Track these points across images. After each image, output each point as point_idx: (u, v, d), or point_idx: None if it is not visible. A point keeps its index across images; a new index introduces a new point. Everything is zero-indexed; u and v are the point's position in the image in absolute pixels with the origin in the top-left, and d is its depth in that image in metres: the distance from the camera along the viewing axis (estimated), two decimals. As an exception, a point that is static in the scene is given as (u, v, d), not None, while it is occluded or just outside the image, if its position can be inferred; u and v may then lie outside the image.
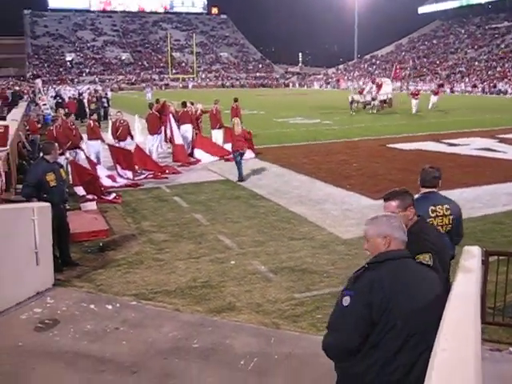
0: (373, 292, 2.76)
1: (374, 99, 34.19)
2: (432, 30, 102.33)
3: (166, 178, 14.47)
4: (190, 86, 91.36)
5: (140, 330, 5.99)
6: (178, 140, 16.83)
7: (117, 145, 15.53)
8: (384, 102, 34.54)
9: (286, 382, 4.94)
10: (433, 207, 4.65)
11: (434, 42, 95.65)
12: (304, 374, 5.03)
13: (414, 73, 77.21)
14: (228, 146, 16.35)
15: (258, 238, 9.06)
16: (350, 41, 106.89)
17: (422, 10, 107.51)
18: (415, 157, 16.43)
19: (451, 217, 4.71)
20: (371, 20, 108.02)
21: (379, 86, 34.92)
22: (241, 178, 13.82)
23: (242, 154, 14.00)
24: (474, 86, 67.68)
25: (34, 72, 79.32)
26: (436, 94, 36.28)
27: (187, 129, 17.45)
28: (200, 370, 5.16)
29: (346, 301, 2.82)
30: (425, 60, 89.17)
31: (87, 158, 13.45)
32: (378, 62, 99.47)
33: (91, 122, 15.30)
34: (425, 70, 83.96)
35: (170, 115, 17.08)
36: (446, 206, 4.71)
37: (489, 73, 71.28)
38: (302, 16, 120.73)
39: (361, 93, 36.51)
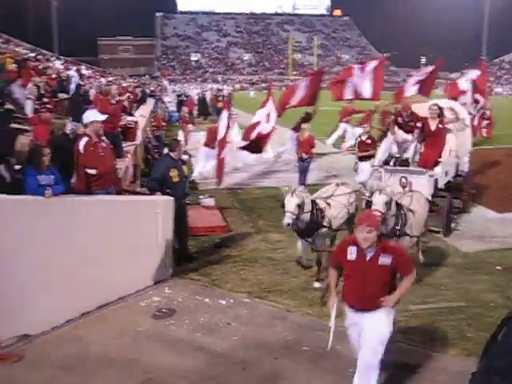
0: None
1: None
2: None
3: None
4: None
5: (251, 327, 6.09)
6: None
7: None
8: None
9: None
10: None
11: None
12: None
13: None
14: None
15: (373, 245, 8.82)
16: (477, 43, 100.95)
17: None
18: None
19: None
20: (503, 20, 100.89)
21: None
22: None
23: (304, 161, 12.90)
24: None
25: (162, 70, 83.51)
26: None
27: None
28: (309, 373, 5.15)
29: None
30: None
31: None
32: (507, 66, 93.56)
33: None
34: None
35: None
36: None
37: None
38: (426, 18, 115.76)
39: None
